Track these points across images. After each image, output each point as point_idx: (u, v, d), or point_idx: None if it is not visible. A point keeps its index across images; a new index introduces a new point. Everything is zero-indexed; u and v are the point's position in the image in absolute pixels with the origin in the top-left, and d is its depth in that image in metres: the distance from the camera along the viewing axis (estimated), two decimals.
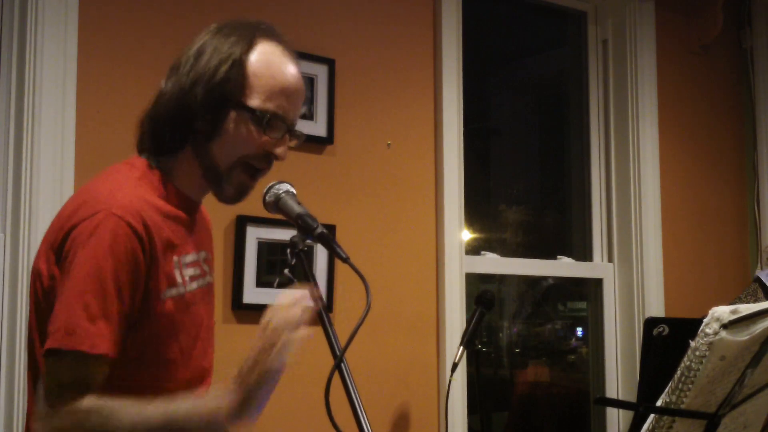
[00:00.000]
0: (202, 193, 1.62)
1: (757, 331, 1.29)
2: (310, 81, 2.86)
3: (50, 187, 2.36)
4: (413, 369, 3.00)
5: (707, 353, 1.29)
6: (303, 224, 1.46)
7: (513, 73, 4.14)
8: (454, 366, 2.72)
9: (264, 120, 1.52)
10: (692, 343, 1.31)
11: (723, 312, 1.29)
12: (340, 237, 2.83)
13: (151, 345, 1.50)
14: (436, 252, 3.10)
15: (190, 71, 1.54)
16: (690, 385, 1.32)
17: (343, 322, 2.69)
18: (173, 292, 1.51)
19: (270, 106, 1.53)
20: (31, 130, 2.35)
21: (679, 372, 1.34)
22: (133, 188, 1.50)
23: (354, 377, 1.36)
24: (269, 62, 1.54)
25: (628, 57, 3.69)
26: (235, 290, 2.66)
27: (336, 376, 1.34)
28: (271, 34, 1.59)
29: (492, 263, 3.44)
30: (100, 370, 1.40)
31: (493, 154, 3.97)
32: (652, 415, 1.41)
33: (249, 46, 1.54)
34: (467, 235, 3.40)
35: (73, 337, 1.38)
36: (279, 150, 1.55)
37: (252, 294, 2.68)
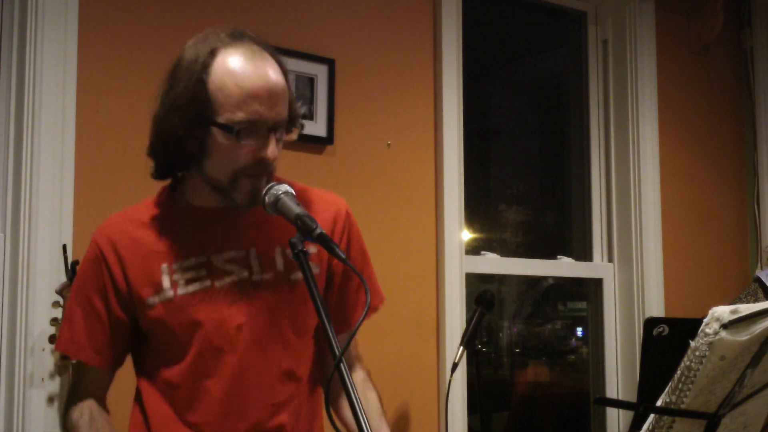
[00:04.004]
0: (223, 199, 1.62)
1: (757, 331, 1.29)
2: (310, 81, 2.86)
3: (50, 187, 2.36)
4: (413, 369, 3.00)
5: (707, 353, 1.29)
6: (302, 225, 1.45)
7: (513, 73, 4.14)
8: (454, 366, 2.72)
9: (236, 132, 1.51)
10: (692, 343, 1.31)
11: (723, 312, 1.29)
12: None
13: (159, 348, 1.64)
14: (436, 252, 3.10)
15: (166, 97, 1.56)
16: (690, 385, 1.32)
17: None
18: (158, 298, 1.60)
19: (240, 115, 1.51)
20: (31, 130, 2.35)
21: (679, 372, 1.34)
22: (128, 212, 1.68)
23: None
24: (231, 72, 1.51)
25: (628, 57, 3.69)
26: None
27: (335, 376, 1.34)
28: (237, 38, 1.56)
29: (492, 263, 3.44)
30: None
31: (493, 154, 3.97)
32: (652, 415, 1.41)
33: (211, 60, 1.52)
34: (467, 235, 3.40)
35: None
36: (266, 152, 1.54)
37: None
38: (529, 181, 4.09)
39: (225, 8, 2.70)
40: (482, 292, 2.81)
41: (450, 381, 2.79)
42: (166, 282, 1.60)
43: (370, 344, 2.88)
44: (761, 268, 3.44)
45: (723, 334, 1.28)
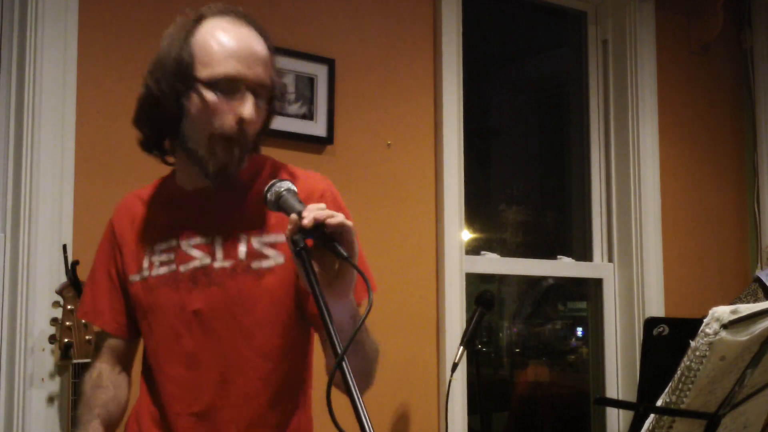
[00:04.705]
0: (201, 180, 1.65)
1: (757, 331, 1.29)
2: (310, 81, 2.86)
3: (50, 187, 2.36)
4: (413, 369, 3.00)
5: (707, 353, 1.29)
6: None
7: (513, 73, 4.15)
8: (454, 366, 2.72)
9: (217, 85, 1.55)
10: (692, 343, 1.31)
11: (723, 312, 1.29)
12: None
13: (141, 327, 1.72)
14: (436, 252, 3.10)
15: (154, 70, 1.63)
16: (690, 385, 1.32)
17: None
18: (138, 276, 1.68)
19: (220, 70, 1.56)
20: (31, 130, 2.35)
21: (679, 372, 1.34)
22: (141, 189, 1.77)
23: None
24: (213, 32, 1.58)
25: (628, 57, 3.69)
26: None
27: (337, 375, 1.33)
28: (222, 11, 1.62)
29: (492, 263, 3.44)
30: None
31: (493, 154, 3.97)
32: (652, 415, 1.41)
33: (198, 24, 1.60)
34: (467, 235, 3.40)
35: None
36: (244, 111, 1.56)
37: None
38: (529, 181, 4.09)
39: None
40: (482, 292, 2.81)
41: (450, 381, 2.79)
42: (145, 262, 1.68)
43: None
44: (761, 268, 3.44)
45: (723, 334, 1.28)
